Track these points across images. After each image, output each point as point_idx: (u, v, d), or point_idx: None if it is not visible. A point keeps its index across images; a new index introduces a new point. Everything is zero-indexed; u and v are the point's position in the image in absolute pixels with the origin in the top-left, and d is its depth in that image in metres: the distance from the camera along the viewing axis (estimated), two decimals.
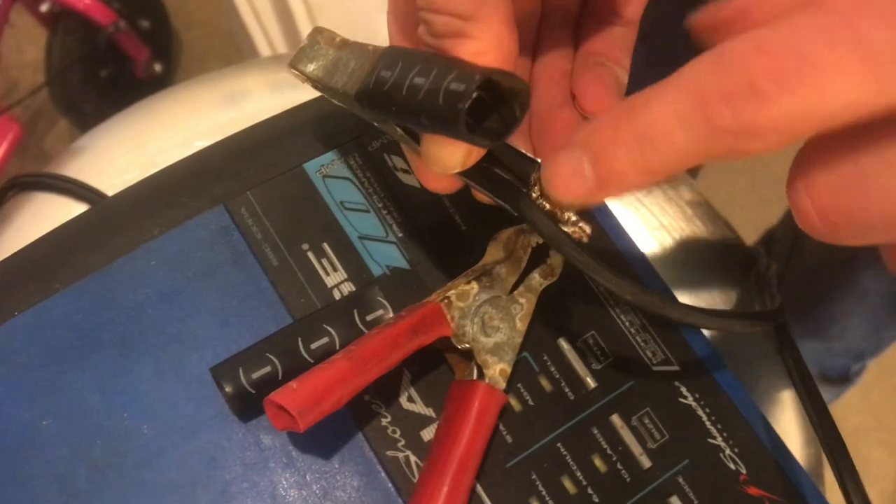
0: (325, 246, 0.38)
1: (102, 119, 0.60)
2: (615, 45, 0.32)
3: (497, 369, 0.35)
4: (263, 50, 1.22)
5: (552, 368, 0.37)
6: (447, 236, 0.39)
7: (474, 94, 0.24)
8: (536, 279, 0.37)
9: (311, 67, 0.33)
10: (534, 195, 0.29)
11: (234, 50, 1.43)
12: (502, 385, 0.35)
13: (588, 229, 0.29)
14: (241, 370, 0.33)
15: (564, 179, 0.24)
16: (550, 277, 0.37)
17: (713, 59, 0.20)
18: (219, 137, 0.42)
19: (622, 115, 0.23)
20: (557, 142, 0.31)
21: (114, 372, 0.35)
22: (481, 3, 0.25)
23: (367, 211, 0.38)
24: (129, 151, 0.55)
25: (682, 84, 0.21)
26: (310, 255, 0.37)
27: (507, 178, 0.30)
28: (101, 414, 0.34)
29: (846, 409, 1.37)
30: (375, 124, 0.34)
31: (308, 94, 0.45)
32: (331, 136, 0.40)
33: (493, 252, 0.37)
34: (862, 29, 0.18)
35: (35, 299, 0.36)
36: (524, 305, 0.37)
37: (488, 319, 0.36)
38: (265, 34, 1.21)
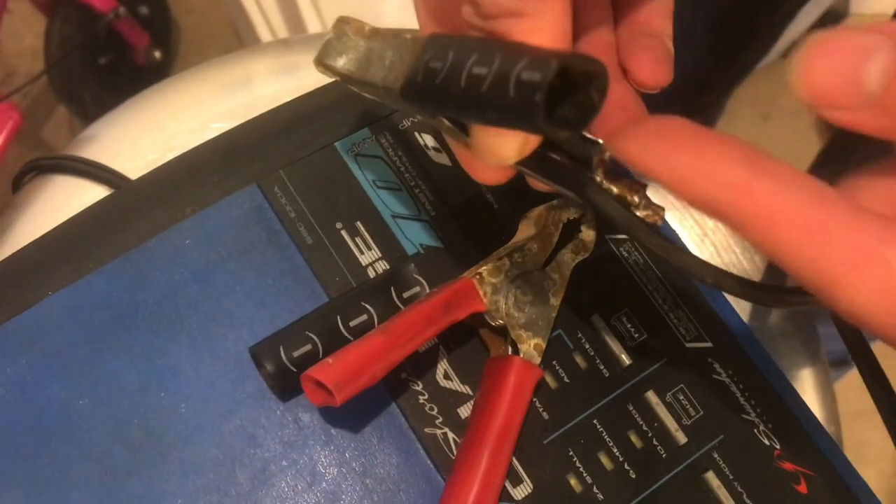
0: (359, 224, 0.37)
1: (102, 106, 0.60)
2: (657, 13, 0.31)
3: (531, 344, 0.35)
4: (265, 36, 1.21)
5: (587, 346, 0.37)
6: (480, 214, 0.39)
7: (548, 83, 0.22)
8: (569, 255, 0.37)
9: (341, 62, 0.31)
10: (598, 178, 0.27)
11: (234, 36, 1.43)
12: (537, 360, 0.35)
13: (662, 211, 0.27)
14: (281, 349, 0.33)
15: (831, 80, 0.19)
16: (583, 253, 0.37)
17: None
18: (236, 120, 0.42)
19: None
20: (612, 119, 0.30)
21: (150, 351, 0.35)
22: None
23: (400, 190, 0.38)
24: (146, 134, 0.55)
25: None
26: (343, 233, 0.37)
27: (566, 163, 0.28)
28: (137, 393, 0.34)
29: (846, 391, 1.38)
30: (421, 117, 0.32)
31: (320, 77, 0.45)
32: (361, 114, 0.40)
33: (525, 229, 0.37)
34: None
35: (68, 279, 0.36)
36: (556, 281, 0.37)
37: (521, 295, 0.36)
38: (266, 20, 1.21)
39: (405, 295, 0.35)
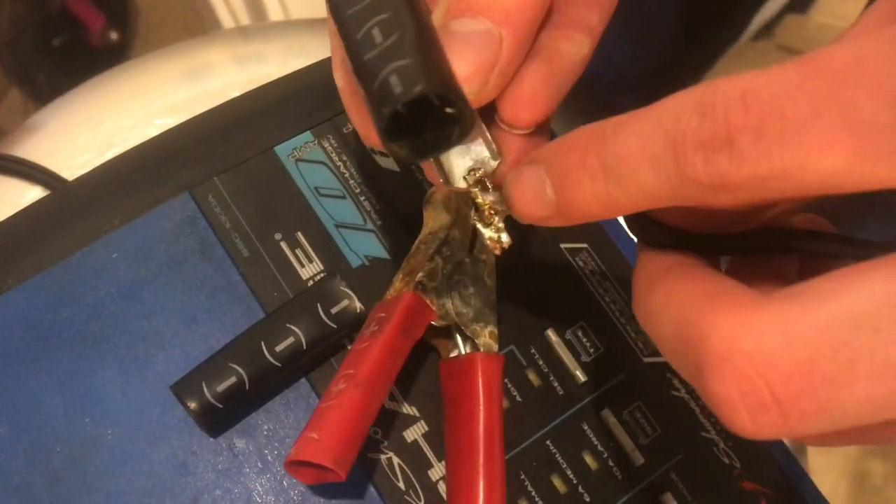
0: (300, 235, 0.35)
1: (56, 90, 0.57)
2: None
3: (487, 333, 0.34)
4: (225, 18, 1.18)
5: (540, 362, 0.35)
6: None
7: (399, 108, 0.21)
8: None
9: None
10: (467, 186, 0.25)
11: (194, 16, 1.39)
12: (495, 348, 0.34)
13: (505, 244, 0.26)
14: (203, 384, 0.31)
15: (525, 200, 0.23)
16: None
17: (695, 99, 0.19)
18: (181, 115, 0.39)
19: (592, 140, 0.21)
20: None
21: (74, 374, 0.33)
22: None
23: (344, 197, 0.36)
24: (85, 131, 0.52)
25: (658, 120, 0.19)
26: (283, 245, 0.35)
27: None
28: (60, 419, 0.32)
29: None
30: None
31: (276, 70, 0.43)
32: (303, 116, 0.37)
33: (434, 216, 0.35)
34: (854, 99, 0.17)
35: None
36: (486, 261, 0.35)
37: (463, 289, 0.34)
38: (226, 1, 1.17)
39: (333, 311, 0.33)
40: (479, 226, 0.25)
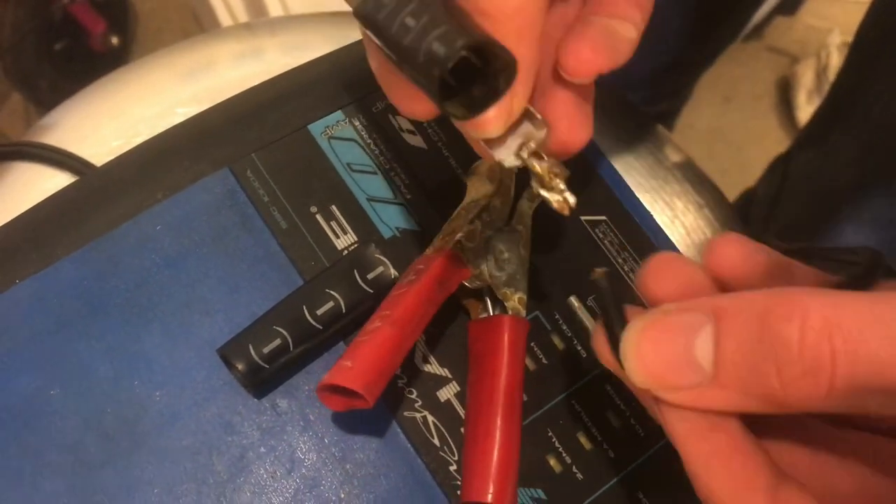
0: (334, 208, 0.37)
1: (58, 94, 0.58)
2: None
3: (516, 299, 0.36)
4: (224, 20, 1.19)
5: (564, 327, 0.37)
6: (455, 197, 0.38)
7: (451, 63, 0.22)
8: (526, 204, 0.37)
9: None
10: (525, 154, 0.27)
11: (192, 21, 1.40)
12: (523, 313, 0.36)
13: (572, 202, 0.27)
14: (251, 346, 0.33)
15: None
16: (537, 199, 0.37)
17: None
18: (202, 105, 0.41)
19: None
20: (551, 115, 0.28)
21: (122, 339, 0.34)
22: None
23: (375, 173, 0.38)
24: (110, 121, 0.53)
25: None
26: (318, 217, 0.37)
27: None
28: (110, 382, 0.34)
29: None
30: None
31: (289, 61, 0.44)
32: (334, 96, 0.39)
33: (478, 185, 0.37)
34: None
35: (37, 267, 0.35)
36: (523, 232, 0.37)
37: (499, 254, 0.36)
38: (226, 3, 1.19)
39: (369, 276, 0.35)
40: (543, 192, 0.27)
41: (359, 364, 0.30)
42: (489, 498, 0.32)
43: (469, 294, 0.36)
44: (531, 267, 0.37)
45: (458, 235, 0.35)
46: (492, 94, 0.24)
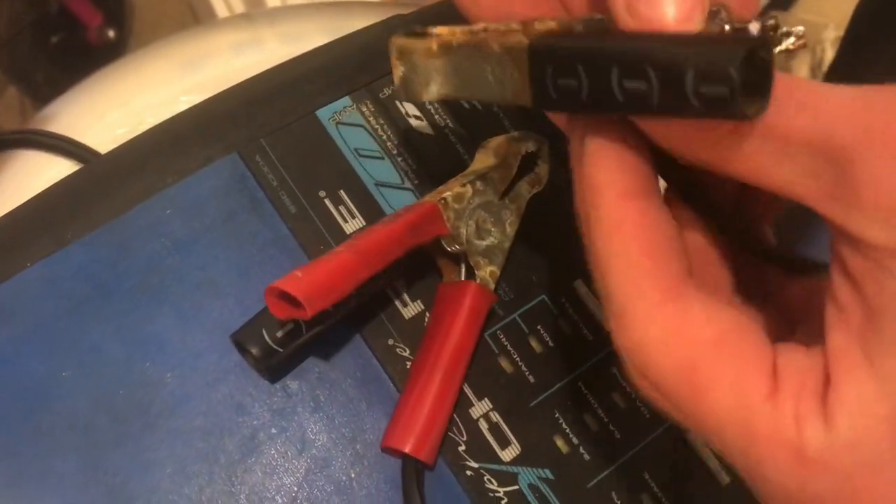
0: (342, 193, 0.37)
1: (55, 87, 0.58)
2: None
3: (488, 271, 0.36)
4: (221, 11, 1.19)
5: (570, 310, 0.38)
6: None
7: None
8: (525, 187, 0.38)
9: (434, 90, 0.29)
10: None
11: (189, 13, 1.40)
12: (492, 286, 0.36)
13: (803, 36, 0.25)
14: (264, 331, 0.33)
15: None
16: (537, 186, 0.38)
17: None
18: (206, 93, 0.41)
19: None
20: None
21: (133, 322, 0.34)
22: None
23: (382, 158, 0.38)
24: (114, 109, 0.54)
25: None
26: (327, 202, 0.37)
27: None
28: (121, 364, 0.34)
29: None
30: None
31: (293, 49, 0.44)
32: (341, 82, 0.40)
33: (483, 158, 0.37)
34: None
35: (48, 250, 0.35)
36: (513, 211, 0.37)
37: (482, 222, 0.36)
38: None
39: None
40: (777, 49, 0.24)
41: (308, 276, 0.30)
42: (408, 448, 0.33)
43: (447, 256, 0.36)
44: (533, 250, 0.37)
45: (446, 193, 0.35)
46: (765, 69, 0.21)
